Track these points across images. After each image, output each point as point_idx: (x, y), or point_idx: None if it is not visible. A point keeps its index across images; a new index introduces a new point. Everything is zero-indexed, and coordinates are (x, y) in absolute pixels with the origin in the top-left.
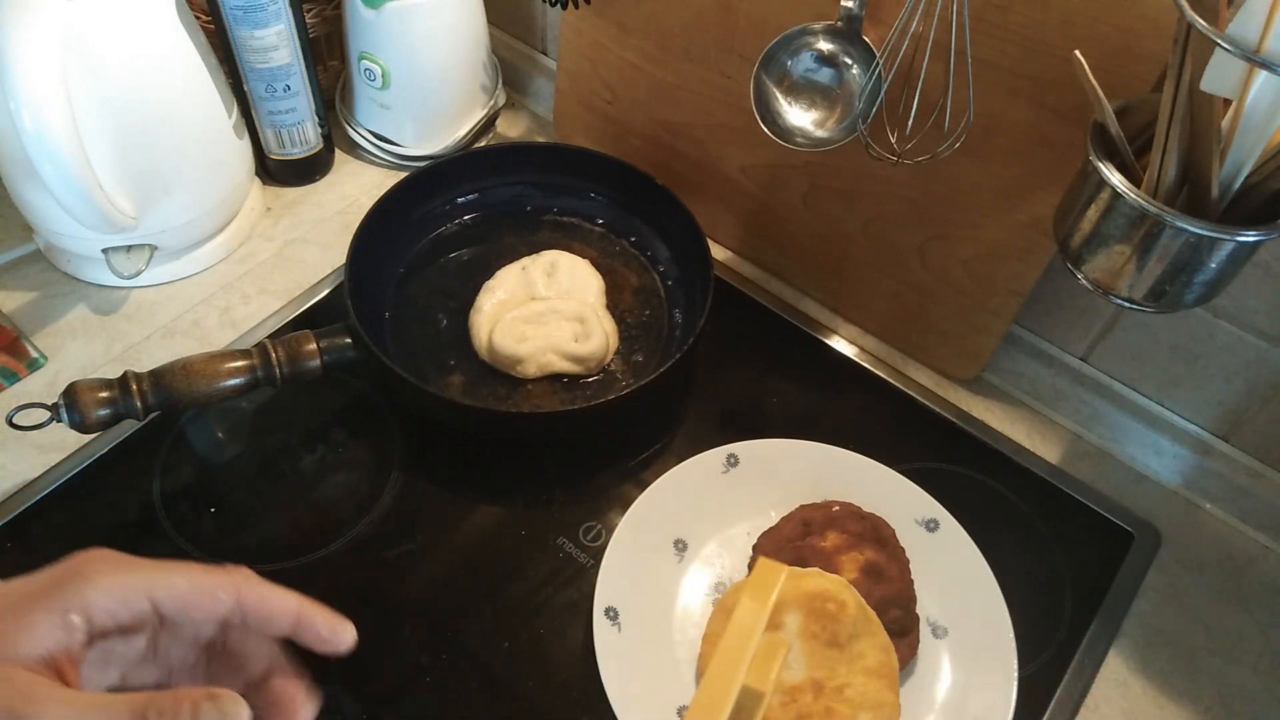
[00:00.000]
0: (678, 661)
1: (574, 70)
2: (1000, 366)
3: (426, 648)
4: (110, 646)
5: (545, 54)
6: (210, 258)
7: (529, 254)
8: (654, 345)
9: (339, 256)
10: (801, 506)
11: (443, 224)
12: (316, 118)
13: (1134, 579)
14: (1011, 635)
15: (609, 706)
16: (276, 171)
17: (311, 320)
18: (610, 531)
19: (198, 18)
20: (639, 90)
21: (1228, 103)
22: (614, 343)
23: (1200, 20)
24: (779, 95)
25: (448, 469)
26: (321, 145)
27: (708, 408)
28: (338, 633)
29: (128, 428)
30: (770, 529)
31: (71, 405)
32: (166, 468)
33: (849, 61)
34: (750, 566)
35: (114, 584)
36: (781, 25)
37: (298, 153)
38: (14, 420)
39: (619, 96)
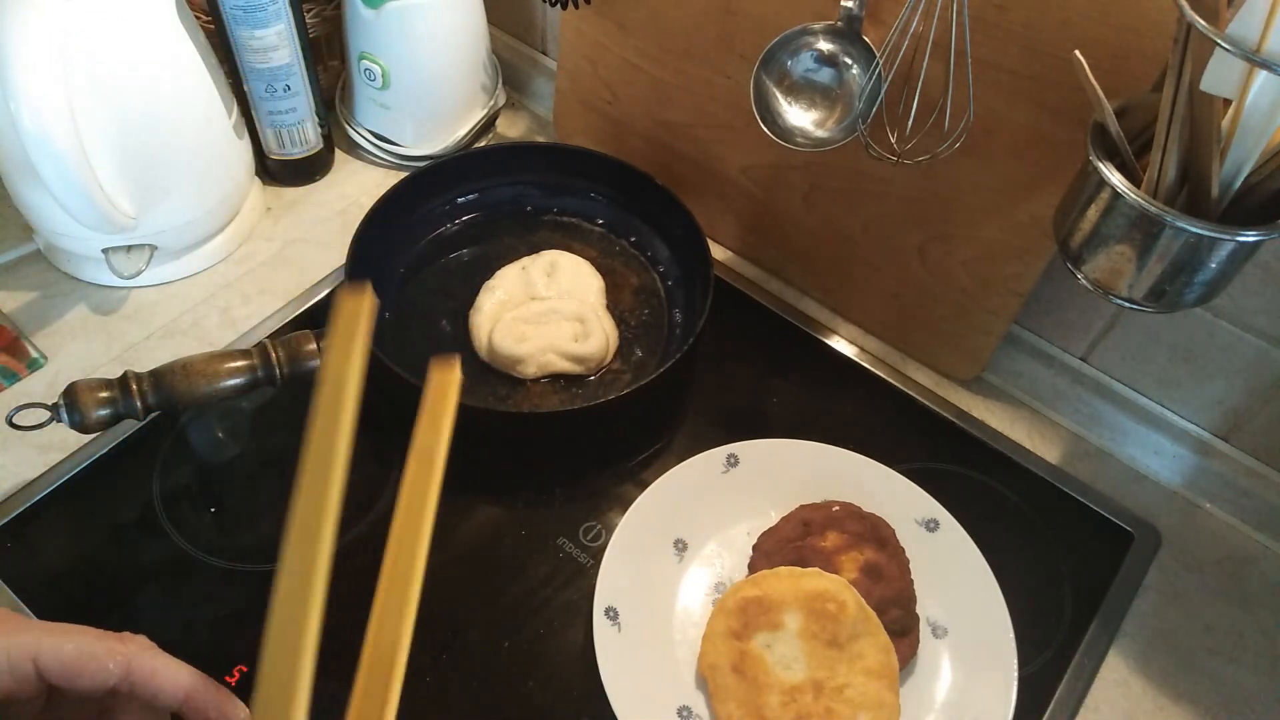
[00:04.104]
0: (678, 661)
1: (574, 70)
2: (1000, 366)
3: (426, 648)
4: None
5: (545, 54)
6: (210, 258)
7: (529, 254)
8: (654, 345)
9: (339, 256)
10: (801, 506)
11: (443, 224)
12: (316, 118)
13: (1134, 579)
14: (1011, 635)
15: (609, 706)
16: (276, 171)
17: (311, 320)
18: (610, 531)
19: (198, 18)
20: (639, 90)
21: (1228, 103)
22: (614, 343)
23: (1200, 20)
24: (779, 95)
25: (447, 469)
26: (321, 145)
27: (708, 408)
28: (227, 716)
29: (128, 428)
30: (770, 529)
31: (71, 405)
32: (166, 468)
33: (849, 61)
34: (750, 567)
35: None
36: (781, 25)
37: (298, 153)
38: (14, 420)
39: (619, 96)
